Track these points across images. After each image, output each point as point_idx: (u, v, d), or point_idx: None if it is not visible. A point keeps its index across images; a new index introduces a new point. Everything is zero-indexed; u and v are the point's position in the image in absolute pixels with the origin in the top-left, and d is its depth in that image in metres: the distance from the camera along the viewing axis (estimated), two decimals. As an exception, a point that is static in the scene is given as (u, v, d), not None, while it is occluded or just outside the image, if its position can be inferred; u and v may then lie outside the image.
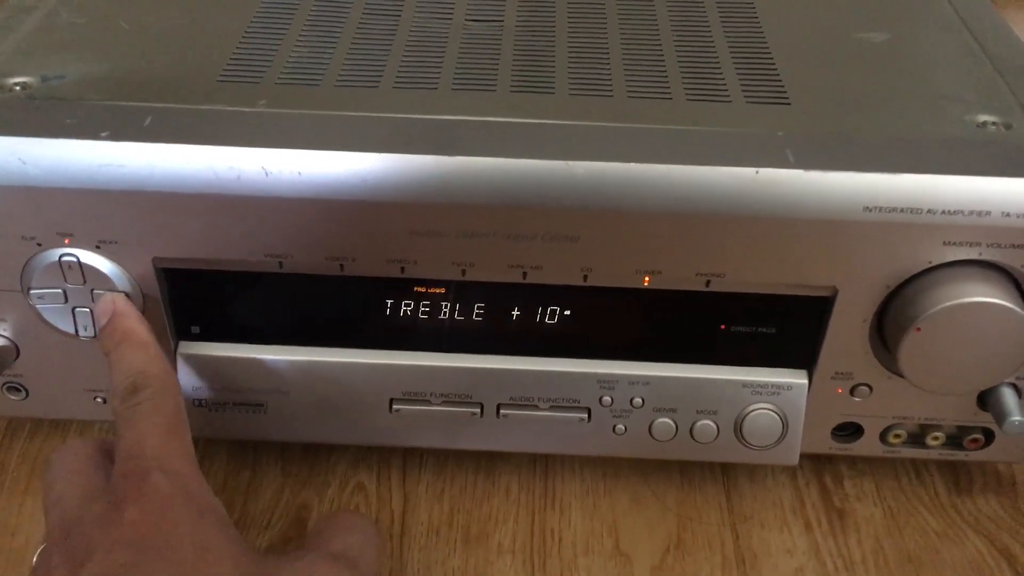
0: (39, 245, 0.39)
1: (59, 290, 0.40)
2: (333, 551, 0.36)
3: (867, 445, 0.45)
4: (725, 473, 0.48)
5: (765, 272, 0.39)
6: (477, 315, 0.42)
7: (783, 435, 0.43)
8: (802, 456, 0.45)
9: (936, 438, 0.45)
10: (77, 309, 0.41)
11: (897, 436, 0.45)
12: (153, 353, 0.38)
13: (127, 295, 0.40)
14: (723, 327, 0.42)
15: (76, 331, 0.41)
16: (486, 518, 0.46)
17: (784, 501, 0.47)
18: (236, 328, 0.43)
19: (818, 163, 0.37)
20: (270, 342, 0.43)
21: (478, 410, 0.44)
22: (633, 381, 0.43)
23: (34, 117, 0.39)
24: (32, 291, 0.40)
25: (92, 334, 0.41)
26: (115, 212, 0.38)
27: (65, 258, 0.39)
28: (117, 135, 0.37)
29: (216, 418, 0.44)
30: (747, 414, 0.43)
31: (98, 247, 0.39)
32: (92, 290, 0.40)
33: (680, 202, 0.37)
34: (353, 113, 0.40)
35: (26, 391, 0.45)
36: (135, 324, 0.39)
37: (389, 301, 0.42)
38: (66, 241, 0.39)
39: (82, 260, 0.39)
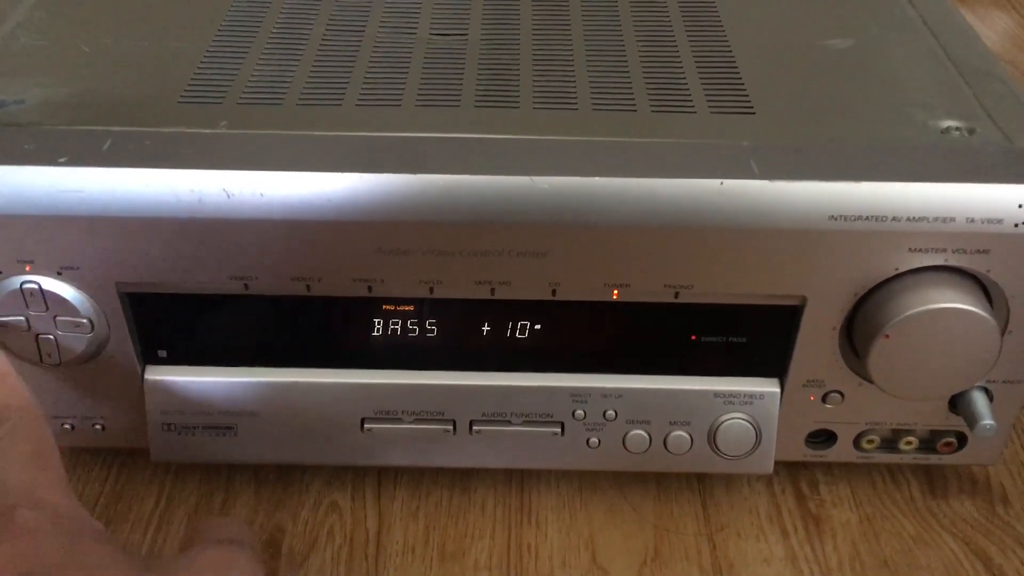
0: (0, 273, 0.39)
1: (22, 317, 0.40)
2: (217, 538, 0.36)
3: (841, 451, 0.45)
4: (701, 483, 0.48)
5: (733, 283, 0.39)
6: (447, 332, 0.42)
7: (757, 444, 0.43)
8: (777, 463, 0.45)
9: (909, 443, 0.45)
10: (41, 336, 0.40)
11: (870, 442, 0.45)
12: (13, 384, 0.36)
13: (91, 321, 0.40)
14: (693, 338, 0.42)
15: (40, 358, 0.41)
16: (462, 534, 0.46)
17: (760, 509, 0.47)
18: (203, 351, 0.42)
19: (783, 173, 0.37)
20: (238, 364, 0.43)
21: (451, 427, 0.43)
22: (606, 394, 0.43)
23: (-8, 143, 0.38)
24: (-6, 319, 0.40)
25: (56, 361, 0.41)
26: (76, 238, 0.38)
27: (27, 285, 0.39)
28: (76, 160, 0.37)
29: (186, 442, 0.44)
30: (720, 424, 0.43)
31: (60, 273, 0.39)
32: (55, 317, 0.40)
33: (646, 215, 0.37)
34: (316, 132, 0.39)
35: (-8, 419, 0.44)
36: None
37: (358, 320, 0.42)
38: (27, 268, 0.39)
39: (44, 287, 0.39)
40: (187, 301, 0.40)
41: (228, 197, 0.37)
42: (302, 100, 0.42)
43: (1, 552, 0.30)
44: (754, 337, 0.42)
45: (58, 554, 0.31)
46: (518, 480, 0.48)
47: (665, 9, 0.51)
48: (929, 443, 0.45)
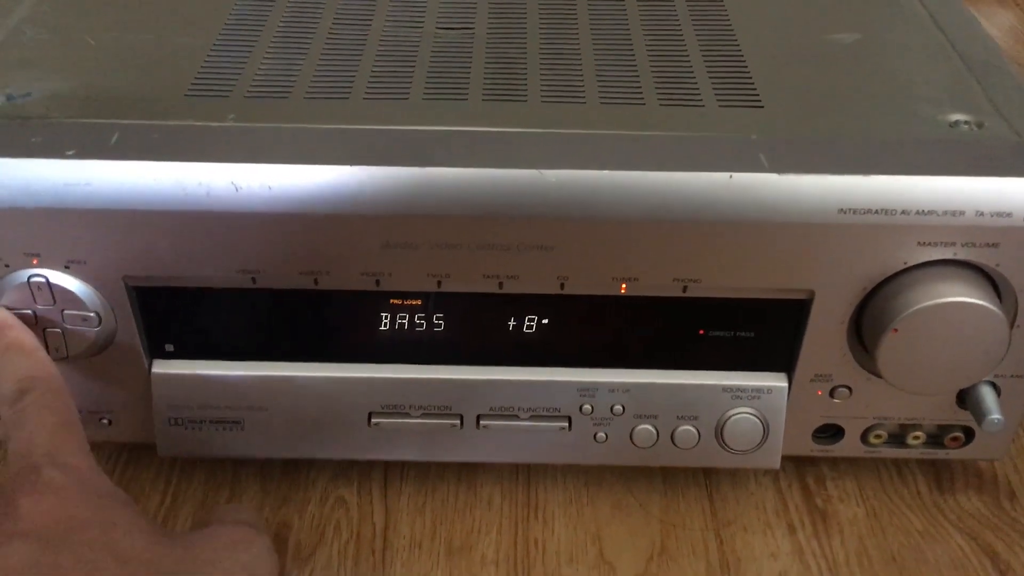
0: (7, 266, 0.39)
1: (28, 311, 0.40)
2: (235, 519, 0.37)
3: (848, 446, 0.45)
4: (708, 477, 0.48)
5: (741, 276, 0.39)
6: (454, 326, 0.42)
7: (764, 439, 0.43)
8: (784, 458, 0.44)
9: (917, 437, 0.45)
10: (48, 330, 0.40)
11: (878, 436, 0.45)
12: (40, 358, 0.37)
13: (98, 315, 0.40)
14: (701, 332, 0.42)
15: (47, 352, 0.40)
16: (469, 529, 0.46)
17: (767, 504, 0.47)
18: (211, 345, 0.42)
19: (792, 166, 0.37)
20: (246, 358, 0.43)
21: (458, 422, 0.43)
22: (613, 388, 0.43)
23: (-1, 137, 0.38)
24: (1, 313, 0.40)
25: (64, 355, 0.41)
26: (83, 231, 0.38)
27: (34, 279, 0.39)
28: (83, 153, 0.37)
29: (193, 436, 0.43)
30: (728, 418, 0.43)
31: (67, 267, 0.39)
32: (62, 310, 0.40)
33: (654, 209, 0.37)
34: (323, 125, 0.39)
35: (-2, 413, 0.44)
36: (19, 334, 0.38)
37: (365, 314, 0.41)
38: (34, 261, 0.38)
39: (51, 280, 0.39)
40: (194, 295, 0.40)
41: (236, 190, 0.37)
42: (309, 93, 0.42)
43: (27, 505, 0.31)
44: (762, 331, 0.42)
45: (81, 511, 0.32)
46: (525, 475, 0.48)
47: (672, 2, 0.51)
48: (936, 438, 0.45)
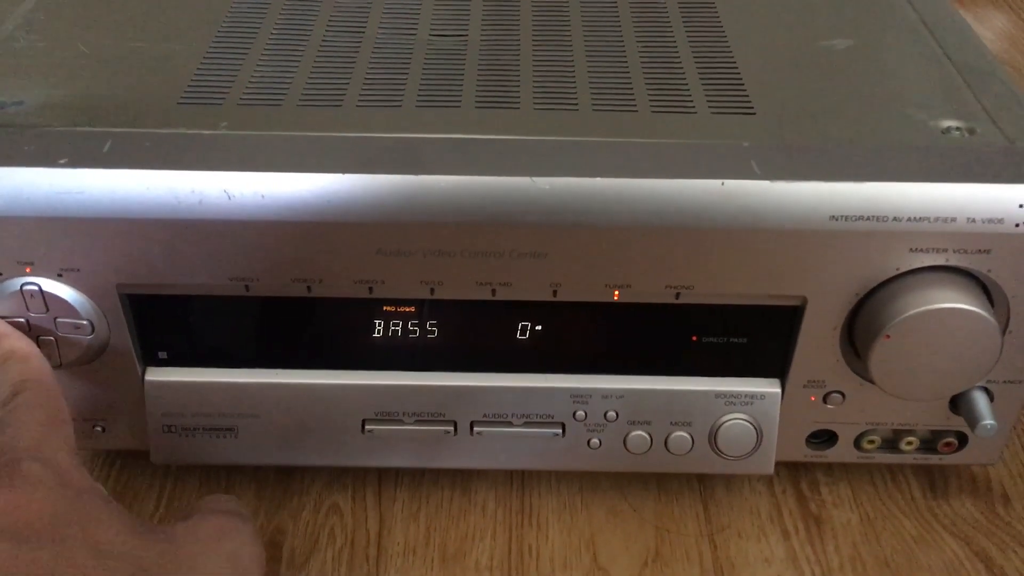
0: (0, 274, 0.39)
1: (22, 319, 0.40)
2: (218, 509, 0.37)
3: (842, 452, 0.45)
4: (702, 483, 0.48)
5: (734, 283, 0.39)
6: (448, 333, 0.42)
7: (758, 444, 0.43)
8: (778, 464, 0.45)
9: (910, 443, 0.45)
10: (41, 338, 0.40)
11: (871, 442, 0.45)
12: (35, 364, 0.37)
13: (91, 322, 0.40)
14: (694, 338, 0.42)
15: (41, 359, 0.41)
16: (463, 536, 0.46)
17: (761, 510, 0.47)
18: (204, 352, 0.42)
19: (783, 173, 0.37)
20: (239, 365, 0.43)
21: (452, 428, 0.43)
22: (606, 395, 0.43)
23: (-9, 145, 0.38)
24: (-6, 321, 0.40)
25: (57, 363, 0.41)
26: (76, 239, 0.38)
27: (27, 287, 0.39)
28: (76, 162, 0.37)
29: (186, 443, 0.43)
30: (721, 424, 0.43)
31: (60, 275, 0.39)
32: (55, 318, 0.40)
33: (647, 216, 0.37)
34: (316, 133, 0.39)
35: (-8, 421, 0.44)
36: (14, 342, 0.38)
37: (359, 321, 0.42)
38: (27, 270, 0.38)
39: (44, 289, 0.39)
40: (188, 303, 0.40)
41: (228, 198, 0.37)
42: (302, 101, 0.42)
43: (5, 500, 0.31)
44: (755, 337, 0.42)
45: (59, 506, 0.31)
46: (519, 481, 0.48)
47: (664, 9, 0.51)
48: (930, 443, 0.45)
